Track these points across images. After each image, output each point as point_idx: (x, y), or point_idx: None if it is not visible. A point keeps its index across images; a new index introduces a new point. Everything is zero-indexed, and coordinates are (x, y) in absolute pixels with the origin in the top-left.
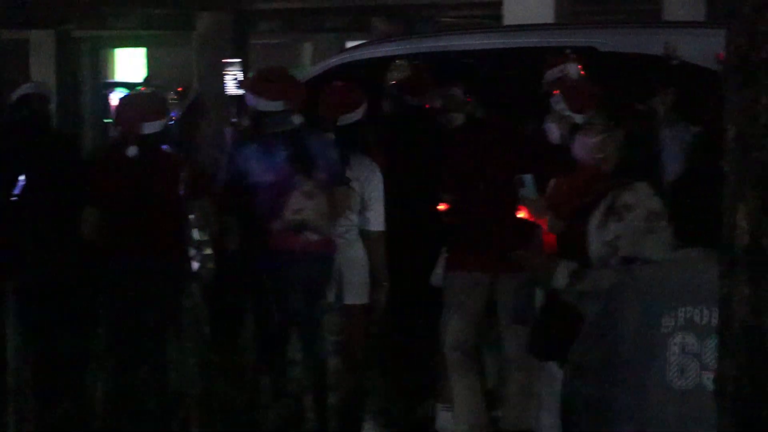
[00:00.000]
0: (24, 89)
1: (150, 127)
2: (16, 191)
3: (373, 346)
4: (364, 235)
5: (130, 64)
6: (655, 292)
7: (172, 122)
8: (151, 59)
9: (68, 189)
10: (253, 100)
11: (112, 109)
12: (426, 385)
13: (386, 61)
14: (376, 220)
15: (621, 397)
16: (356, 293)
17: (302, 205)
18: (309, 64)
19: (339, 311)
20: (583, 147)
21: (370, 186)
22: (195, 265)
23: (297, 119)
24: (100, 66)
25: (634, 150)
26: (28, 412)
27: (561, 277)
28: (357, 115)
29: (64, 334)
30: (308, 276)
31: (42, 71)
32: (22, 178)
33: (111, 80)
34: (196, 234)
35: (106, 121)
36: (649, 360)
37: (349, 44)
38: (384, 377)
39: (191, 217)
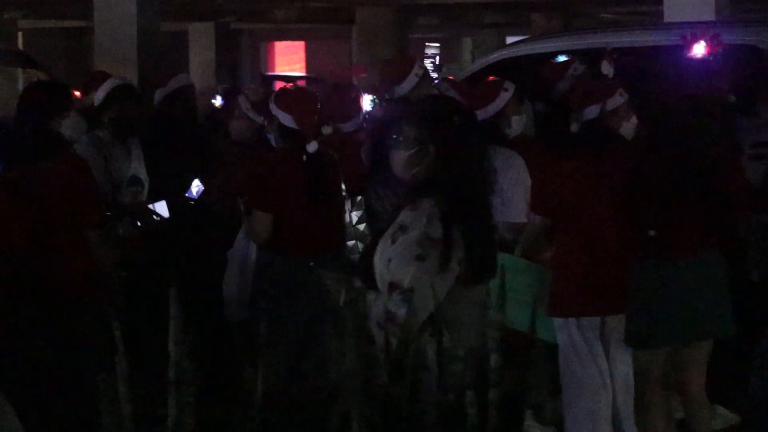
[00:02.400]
0: (179, 80)
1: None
2: (192, 194)
3: (533, 340)
4: (505, 226)
5: (288, 57)
6: None
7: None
8: (309, 52)
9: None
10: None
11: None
12: None
13: (548, 58)
14: (513, 210)
15: None
16: None
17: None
18: (468, 60)
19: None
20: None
21: (506, 176)
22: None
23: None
24: (259, 58)
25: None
26: (189, 404)
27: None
28: (495, 107)
29: (224, 329)
30: None
31: (201, 64)
32: (197, 183)
33: (270, 73)
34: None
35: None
36: None
37: (509, 40)
38: (544, 372)
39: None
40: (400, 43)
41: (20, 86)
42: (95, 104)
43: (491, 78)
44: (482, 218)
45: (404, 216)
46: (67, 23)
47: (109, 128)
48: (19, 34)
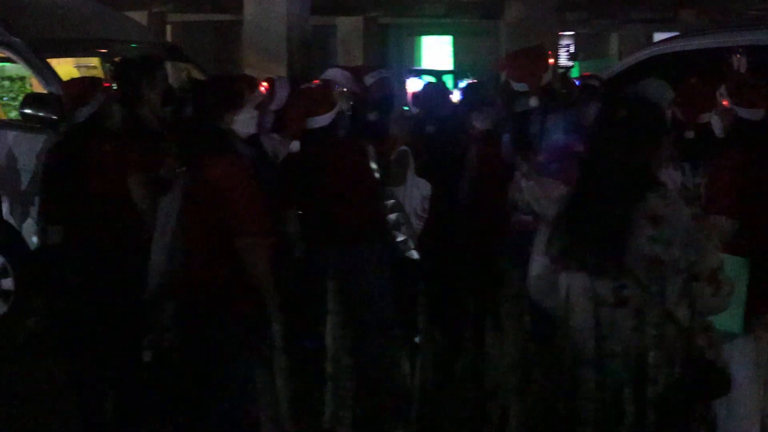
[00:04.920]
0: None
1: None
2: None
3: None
4: None
5: (435, 52)
6: None
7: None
8: (456, 47)
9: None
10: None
11: (410, 97)
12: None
13: (699, 55)
14: None
15: None
16: None
17: (521, 185)
18: (615, 55)
19: None
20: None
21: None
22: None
23: (533, 101)
24: (406, 53)
25: None
26: (346, 399)
27: None
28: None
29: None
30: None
31: (348, 57)
32: None
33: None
34: (395, 217)
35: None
36: None
37: (657, 36)
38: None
39: (390, 202)
40: (548, 39)
41: (169, 79)
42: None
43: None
44: None
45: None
46: (216, 17)
47: None
48: (168, 27)
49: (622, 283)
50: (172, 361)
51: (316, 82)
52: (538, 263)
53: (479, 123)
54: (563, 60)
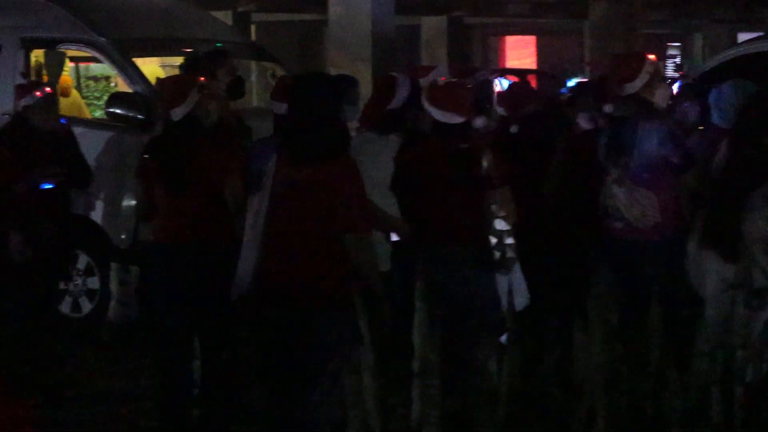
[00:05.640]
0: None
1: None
2: None
3: None
4: None
5: (518, 51)
6: None
7: None
8: (540, 47)
9: None
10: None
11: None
12: None
13: None
14: None
15: None
16: None
17: (613, 191)
18: (698, 55)
19: None
20: None
21: None
22: (496, 254)
23: (608, 108)
24: (490, 53)
25: None
26: (433, 397)
27: None
28: None
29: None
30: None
31: (433, 57)
32: None
33: (500, 67)
34: (498, 224)
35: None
36: None
37: (741, 37)
38: None
39: (493, 206)
40: (631, 39)
41: (253, 79)
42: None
43: None
44: None
45: None
46: (300, 16)
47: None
48: (252, 26)
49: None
50: (260, 360)
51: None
52: (690, 247)
53: (584, 123)
54: (669, 71)
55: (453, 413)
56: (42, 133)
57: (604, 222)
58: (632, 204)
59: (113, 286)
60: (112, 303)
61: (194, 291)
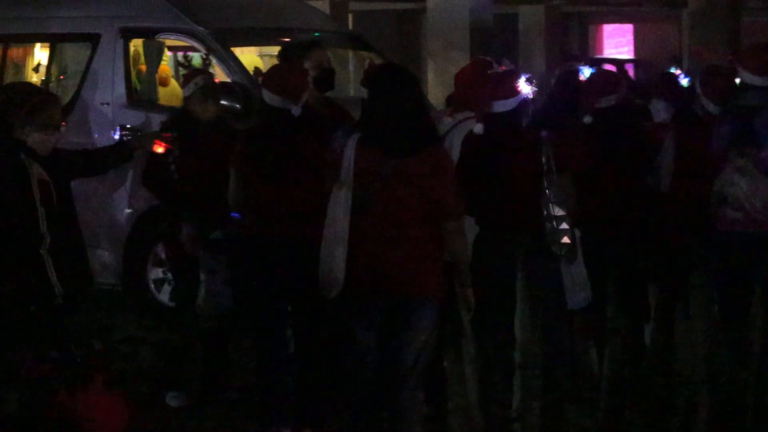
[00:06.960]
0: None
1: (499, 106)
2: None
3: None
4: None
5: (616, 40)
6: None
7: None
8: (637, 35)
9: None
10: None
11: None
12: None
13: None
14: None
15: None
16: None
17: (733, 179)
18: None
19: None
20: None
21: None
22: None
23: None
24: (588, 41)
25: None
26: (535, 388)
27: None
28: None
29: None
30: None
31: (530, 46)
32: None
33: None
34: (553, 209)
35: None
36: None
37: None
38: None
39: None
40: (731, 27)
41: (350, 68)
42: None
43: None
44: None
45: None
46: (398, 5)
47: None
48: (350, 15)
49: None
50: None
51: (503, 68)
52: None
53: (662, 113)
54: None
55: (552, 403)
56: (204, 125)
57: (718, 212)
58: (755, 194)
59: (202, 275)
60: (201, 292)
61: (289, 284)
